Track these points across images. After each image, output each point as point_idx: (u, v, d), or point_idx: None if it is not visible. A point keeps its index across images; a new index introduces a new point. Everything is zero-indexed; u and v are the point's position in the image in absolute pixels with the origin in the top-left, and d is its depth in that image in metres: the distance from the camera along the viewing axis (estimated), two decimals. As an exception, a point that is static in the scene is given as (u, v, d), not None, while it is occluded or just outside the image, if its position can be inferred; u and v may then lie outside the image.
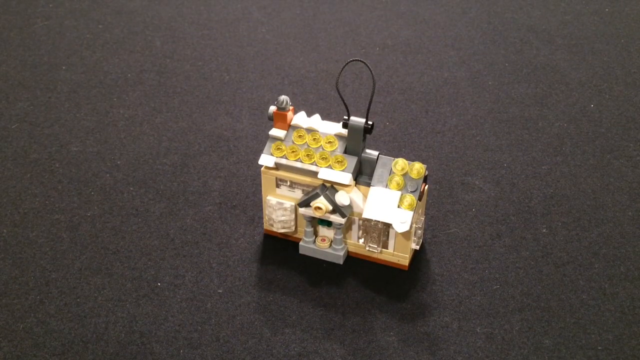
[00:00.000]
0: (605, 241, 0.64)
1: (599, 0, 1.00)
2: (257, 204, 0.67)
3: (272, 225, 0.62)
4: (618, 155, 0.74)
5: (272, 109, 0.60)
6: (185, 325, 0.56)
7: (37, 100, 0.80)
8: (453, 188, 0.69)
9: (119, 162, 0.72)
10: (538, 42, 0.91)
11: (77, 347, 0.54)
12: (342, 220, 0.59)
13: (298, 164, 0.59)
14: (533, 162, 0.73)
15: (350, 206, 0.59)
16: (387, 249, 0.61)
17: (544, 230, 0.65)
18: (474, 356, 0.55)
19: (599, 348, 0.55)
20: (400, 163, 0.59)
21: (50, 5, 0.97)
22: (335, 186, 0.59)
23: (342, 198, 0.58)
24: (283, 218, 0.61)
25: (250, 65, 0.87)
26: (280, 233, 0.63)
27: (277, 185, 0.61)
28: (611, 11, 0.98)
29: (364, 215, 0.58)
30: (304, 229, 0.62)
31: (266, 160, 0.60)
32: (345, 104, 0.58)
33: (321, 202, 0.58)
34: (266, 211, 0.62)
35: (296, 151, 0.59)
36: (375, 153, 0.59)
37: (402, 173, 0.59)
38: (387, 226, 0.59)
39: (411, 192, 0.58)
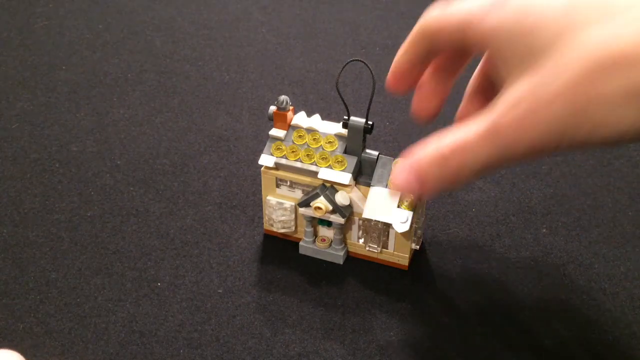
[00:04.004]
0: (605, 241, 0.64)
1: (599, 0, 1.00)
2: (257, 204, 0.67)
3: (272, 225, 0.62)
4: (618, 155, 0.74)
5: (272, 108, 0.60)
6: (185, 325, 0.56)
7: (37, 100, 0.80)
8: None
9: (119, 162, 0.72)
10: (538, 42, 0.91)
11: (77, 347, 0.54)
12: (342, 221, 0.59)
13: (298, 164, 0.59)
14: (533, 162, 0.73)
15: (350, 206, 0.59)
16: (387, 249, 0.61)
17: (544, 230, 0.65)
18: (474, 356, 0.55)
19: (599, 348, 0.55)
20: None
21: (50, 5, 0.97)
22: (335, 186, 0.59)
23: (342, 198, 0.58)
24: (283, 218, 0.61)
25: (250, 65, 0.87)
26: (280, 233, 0.63)
27: (277, 185, 0.61)
28: (611, 11, 0.98)
29: (364, 216, 0.58)
30: (304, 229, 0.62)
31: (266, 160, 0.60)
32: (345, 104, 0.58)
33: (321, 202, 0.58)
34: (266, 211, 0.62)
35: (296, 151, 0.59)
36: (375, 153, 0.59)
37: None
38: (387, 226, 0.59)
39: None
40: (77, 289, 0.59)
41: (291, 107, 0.60)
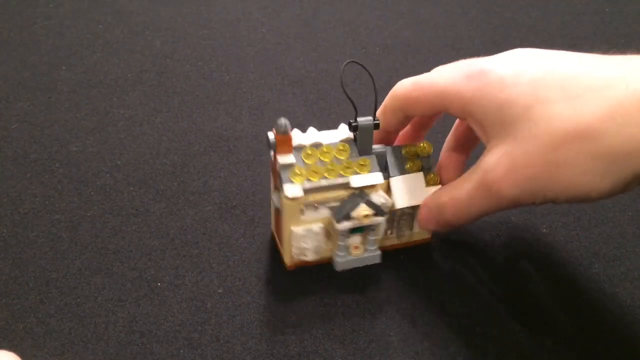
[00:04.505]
0: (605, 241, 0.64)
1: (599, 0, 1.00)
2: (257, 204, 0.67)
3: (304, 256, 0.59)
4: (618, 155, 0.74)
5: (271, 136, 0.56)
6: (185, 325, 0.56)
7: (37, 100, 0.80)
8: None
9: (119, 162, 0.72)
10: (538, 42, 0.91)
11: (77, 347, 0.54)
12: (382, 219, 0.58)
13: (324, 182, 0.56)
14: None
15: (385, 203, 0.58)
16: (412, 230, 0.62)
17: (544, 230, 0.65)
18: (474, 356, 0.55)
19: (599, 348, 0.55)
20: (408, 148, 0.60)
21: (50, 5, 0.97)
22: (363, 190, 0.58)
23: (377, 198, 0.57)
24: (316, 243, 0.59)
25: (250, 65, 0.87)
26: (313, 261, 0.60)
27: (302, 212, 0.58)
28: (611, 11, 0.98)
29: (398, 206, 0.58)
30: (338, 243, 0.59)
31: (294, 190, 0.55)
32: (354, 105, 0.57)
33: (365, 208, 0.57)
34: (292, 244, 0.58)
35: (317, 170, 0.56)
36: (383, 147, 0.59)
37: (414, 156, 0.60)
38: (414, 208, 0.60)
39: (428, 169, 0.60)
40: (77, 289, 0.59)
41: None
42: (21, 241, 0.63)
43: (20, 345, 0.55)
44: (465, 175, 0.52)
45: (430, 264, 0.62)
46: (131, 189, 0.69)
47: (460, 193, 0.52)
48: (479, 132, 0.52)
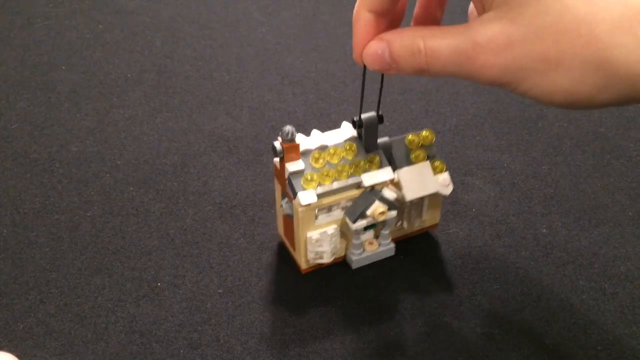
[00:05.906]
0: (605, 241, 0.64)
1: None
2: (257, 204, 0.67)
3: (321, 259, 0.59)
4: (618, 155, 0.74)
5: (278, 145, 0.55)
6: (185, 325, 0.56)
7: (37, 100, 0.80)
8: (453, 188, 0.69)
9: (119, 162, 0.72)
10: None
11: (77, 347, 0.54)
12: (395, 213, 0.58)
13: (336, 185, 0.56)
14: (533, 162, 0.73)
15: (397, 197, 0.59)
16: (421, 218, 0.63)
17: (544, 230, 0.65)
18: (474, 356, 0.55)
19: (599, 348, 0.55)
20: (411, 138, 0.60)
21: (50, 5, 0.97)
22: (374, 186, 0.58)
23: (390, 193, 0.57)
24: (332, 245, 0.59)
25: (250, 65, 0.87)
26: (329, 262, 0.60)
27: (316, 217, 0.58)
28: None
29: (409, 198, 0.58)
30: (353, 242, 0.59)
31: (308, 197, 0.55)
32: (361, 103, 0.56)
33: (380, 206, 0.57)
34: (309, 248, 0.58)
35: (327, 174, 0.56)
36: (386, 139, 0.59)
37: (418, 145, 0.60)
38: (423, 198, 0.60)
39: (432, 157, 0.60)
40: (77, 289, 0.59)
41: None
42: (21, 241, 0.63)
43: (20, 345, 0.55)
44: (451, 30, 0.44)
45: (429, 264, 0.62)
46: (131, 189, 0.69)
47: (441, 46, 0.44)
48: (476, 1, 0.46)
